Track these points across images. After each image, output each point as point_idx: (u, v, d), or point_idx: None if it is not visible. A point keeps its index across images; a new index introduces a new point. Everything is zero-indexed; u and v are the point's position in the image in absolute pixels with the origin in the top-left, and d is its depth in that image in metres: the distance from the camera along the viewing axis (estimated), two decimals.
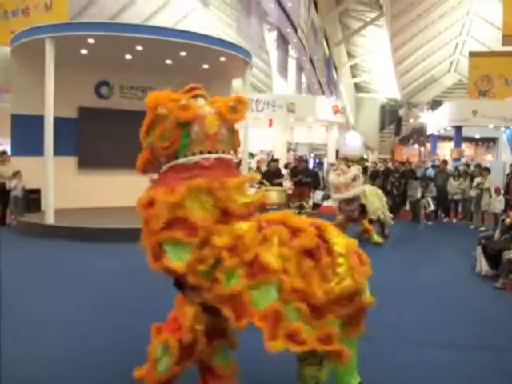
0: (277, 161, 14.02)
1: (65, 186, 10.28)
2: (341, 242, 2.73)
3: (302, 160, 14.20)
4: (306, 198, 12.96)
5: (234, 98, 2.87)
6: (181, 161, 2.71)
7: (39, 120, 9.41)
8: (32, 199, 10.45)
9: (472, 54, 24.38)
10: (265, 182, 12.83)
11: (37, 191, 10.47)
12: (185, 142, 2.70)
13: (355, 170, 9.04)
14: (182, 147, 2.71)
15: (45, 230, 8.98)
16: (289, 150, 19.74)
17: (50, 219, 9.18)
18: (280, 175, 12.98)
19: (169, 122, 2.68)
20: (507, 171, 12.93)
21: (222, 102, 2.82)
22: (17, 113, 10.88)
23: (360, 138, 25.88)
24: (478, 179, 11.85)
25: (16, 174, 10.35)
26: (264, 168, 14.95)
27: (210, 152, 2.71)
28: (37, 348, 3.07)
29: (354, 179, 8.77)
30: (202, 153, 2.70)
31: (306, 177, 13.00)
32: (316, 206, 13.60)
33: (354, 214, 9.05)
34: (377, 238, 9.20)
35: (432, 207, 12.36)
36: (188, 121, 2.66)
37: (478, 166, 14.08)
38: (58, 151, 9.49)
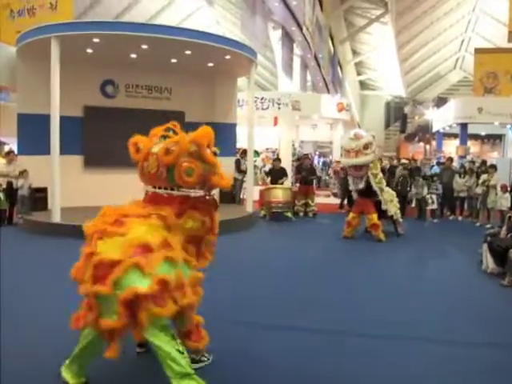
0: (280, 160, 13.99)
1: (71, 185, 10.34)
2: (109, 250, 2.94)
3: (306, 157, 14.17)
4: (312, 196, 12.97)
5: (192, 136, 3.23)
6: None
7: (45, 119, 9.46)
8: (39, 198, 10.51)
9: (478, 51, 24.25)
10: (267, 180, 12.85)
11: (43, 190, 10.52)
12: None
13: (369, 136, 8.97)
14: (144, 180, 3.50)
15: (51, 229, 9.03)
16: (294, 154, 19.58)
17: (56, 218, 9.23)
18: (284, 174, 12.97)
19: None
20: None
21: (166, 143, 3.27)
22: (23, 112, 10.93)
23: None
24: (484, 176, 11.79)
25: (23, 173, 10.39)
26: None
27: (153, 187, 3.42)
28: (37, 345, 3.08)
29: (366, 146, 8.72)
30: (151, 187, 3.46)
31: (310, 174, 13.00)
32: None
33: (360, 184, 9.05)
34: (382, 235, 9.21)
35: (435, 206, 12.31)
36: (140, 161, 3.38)
37: (484, 163, 14.02)
38: (64, 150, 9.55)
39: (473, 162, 14.69)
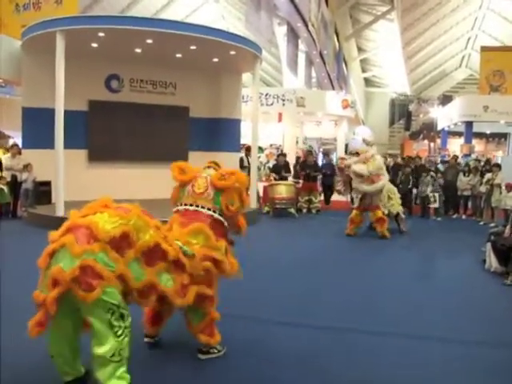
0: (284, 155, 13.99)
1: (75, 179, 10.36)
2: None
3: (310, 153, 14.14)
4: (315, 193, 12.95)
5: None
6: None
7: (50, 113, 9.47)
8: (43, 191, 10.53)
9: (484, 49, 24.12)
10: (271, 176, 12.84)
11: (47, 184, 10.55)
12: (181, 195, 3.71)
13: (380, 159, 9.03)
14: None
15: (55, 222, 8.88)
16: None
17: (60, 211, 9.24)
18: (288, 169, 12.96)
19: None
20: None
21: (221, 170, 3.68)
22: (28, 106, 10.94)
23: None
24: (488, 175, 11.75)
25: (27, 167, 10.42)
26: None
27: (191, 205, 3.59)
28: (39, 341, 3.10)
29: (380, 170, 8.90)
30: (183, 204, 3.64)
31: (314, 171, 12.98)
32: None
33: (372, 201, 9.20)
34: (386, 231, 9.19)
35: (437, 204, 12.27)
36: (184, 182, 3.67)
37: (488, 162, 13.97)
38: (68, 144, 9.56)
39: (477, 160, 14.64)
